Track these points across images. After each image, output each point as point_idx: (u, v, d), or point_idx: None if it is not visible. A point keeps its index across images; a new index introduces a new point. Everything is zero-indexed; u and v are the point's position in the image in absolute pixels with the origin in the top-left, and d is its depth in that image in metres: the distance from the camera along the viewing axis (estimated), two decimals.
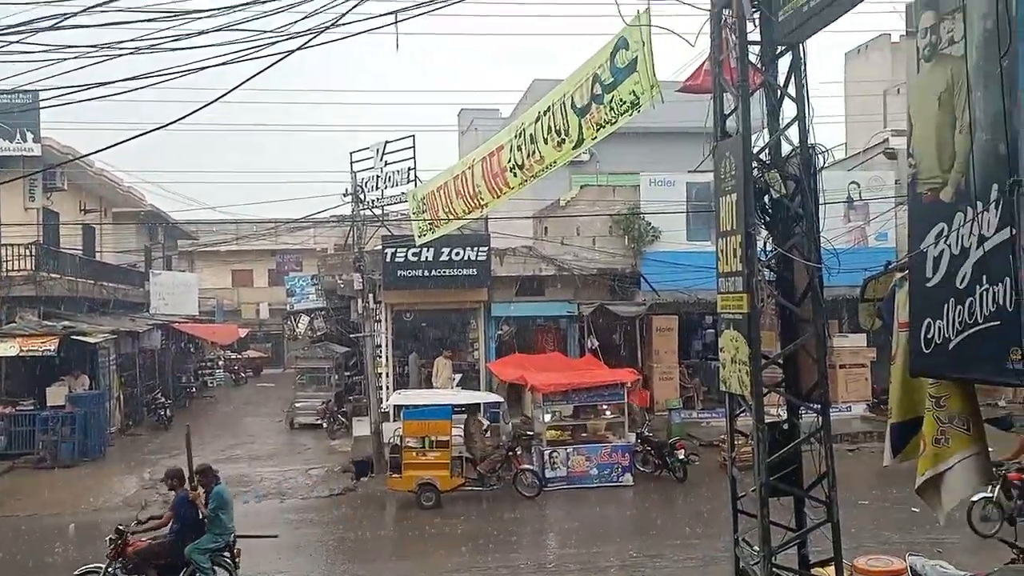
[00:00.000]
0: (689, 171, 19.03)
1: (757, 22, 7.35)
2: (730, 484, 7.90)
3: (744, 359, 7.05)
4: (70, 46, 7.59)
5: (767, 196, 7.41)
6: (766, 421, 7.22)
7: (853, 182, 21.48)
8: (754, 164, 7.28)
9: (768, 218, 7.50)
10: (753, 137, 7.45)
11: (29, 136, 21.50)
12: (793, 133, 7.60)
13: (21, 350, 19.50)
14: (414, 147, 21.42)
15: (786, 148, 7.66)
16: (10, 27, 6.92)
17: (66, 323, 21.74)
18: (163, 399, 26.07)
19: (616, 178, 23.32)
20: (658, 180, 20.98)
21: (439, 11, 7.44)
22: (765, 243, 7.55)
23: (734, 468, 7.91)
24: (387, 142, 21.85)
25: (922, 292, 6.05)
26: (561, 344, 22.14)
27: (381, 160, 21.89)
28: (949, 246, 5.64)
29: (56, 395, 20.51)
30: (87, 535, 14.02)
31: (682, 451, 16.64)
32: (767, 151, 7.58)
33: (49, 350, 19.65)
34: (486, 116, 29.33)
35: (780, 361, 7.63)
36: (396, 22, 7.49)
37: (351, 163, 21.92)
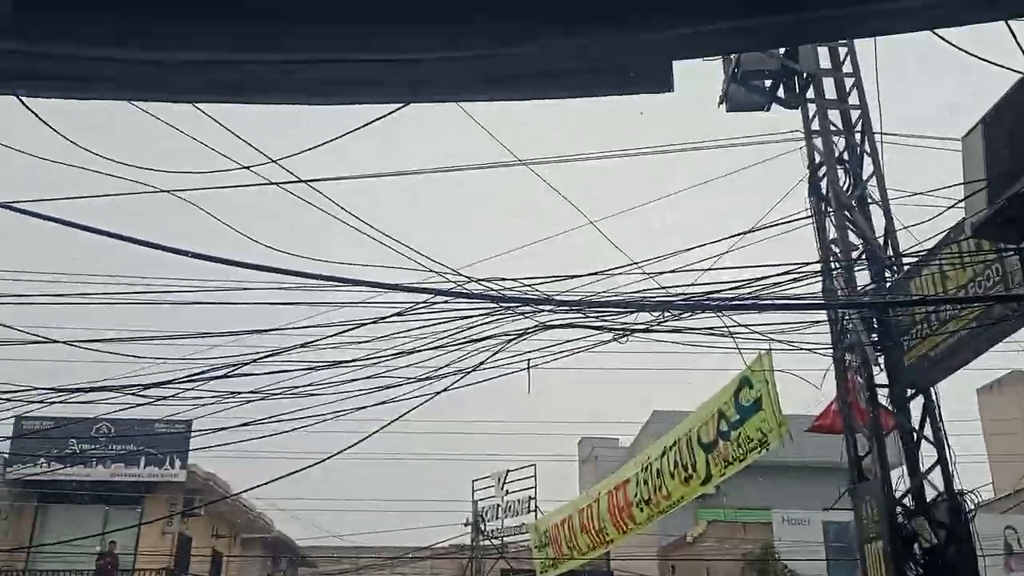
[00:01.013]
0: (824, 508, 18.12)
1: (882, 366, 7.48)
2: None
3: None
4: (234, 393, 8.41)
5: (917, 544, 6.99)
6: None
7: (1009, 527, 19.73)
8: (898, 510, 6.98)
9: (921, 569, 7.01)
10: (892, 478, 7.23)
11: (177, 463, 22.88)
12: (936, 476, 7.34)
13: None
14: (535, 476, 21.51)
15: (931, 491, 7.35)
16: (189, 376, 7.80)
17: None
18: None
19: (745, 513, 22.32)
20: (791, 518, 19.96)
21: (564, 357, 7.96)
22: None
23: None
24: (508, 471, 22.07)
25: None
26: None
27: (502, 489, 21.97)
28: None
29: None
30: None
31: None
32: (910, 496, 7.29)
33: None
34: (606, 445, 29.40)
35: None
36: (528, 368, 8.04)
37: (472, 491, 22.05)
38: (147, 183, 6.32)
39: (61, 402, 7.82)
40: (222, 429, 9.02)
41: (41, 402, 7.86)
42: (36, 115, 4.65)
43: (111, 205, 6.73)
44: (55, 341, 7.54)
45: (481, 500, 21.97)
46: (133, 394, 7.43)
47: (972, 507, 7.14)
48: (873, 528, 7.04)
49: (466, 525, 21.39)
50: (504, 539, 21.68)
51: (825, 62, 8.50)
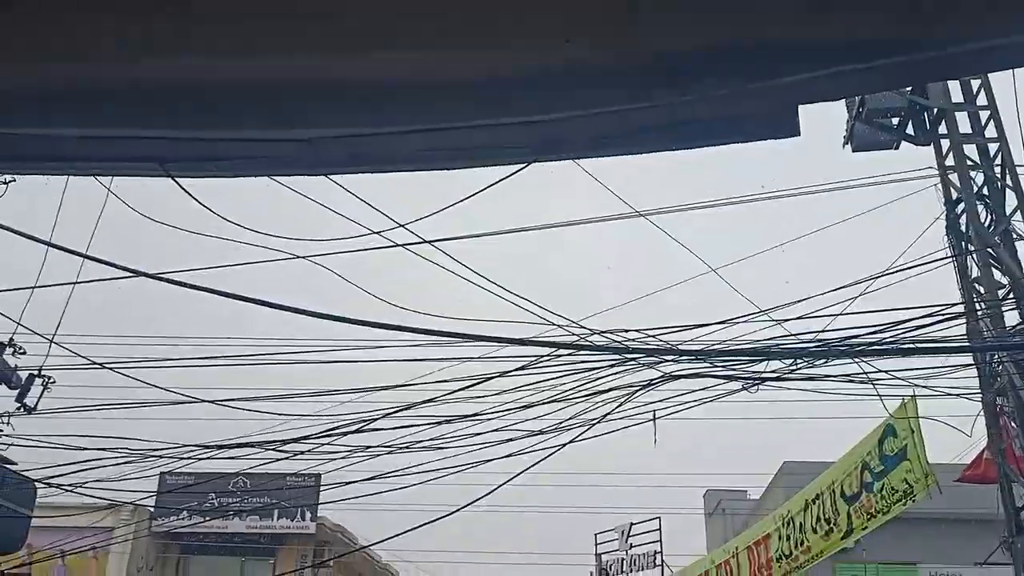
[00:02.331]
0: (977, 564, 16.84)
1: None
2: None
3: None
4: (365, 447, 8.65)
5: None
6: None
7: None
8: None
9: None
10: None
11: (307, 515, 23.60)
12: None
13: None
14: (660, 530, 20.94)
15: None
16: (326, 431, 8.09)
17: None
18: None
19: (888, 571, 20.97)
20: (941, 573, 18.62)
21: (690, 408, 7.82)
22: None
23: None
24: (632, 524, 21.60)
25: None
26: None
27: (626, 542, 21.51)
28: None
29: None
30: None
31: None
32: None
33: None
34: (734, 497, 28.37)
35: None
36: (655, 419, 7.92)
37: (595, 544, 21.68)
38: (281, 250, 6.66)
39: (207, 458, 8.25)
40: (351, 483, 9.29)
41: (189, 458, 8.32)
42: (184, 190, 5.02)
43: (246, 274, 7.14)
44: (201, 400, 8.00)
45: (605, 554, 21.55)
46: (272, 449, 7.75)
47: None
48: None
49: None
50: None
51: (957, 96, 8.17)
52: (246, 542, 23.53)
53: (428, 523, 8.38)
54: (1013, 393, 6.79)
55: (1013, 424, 7.21)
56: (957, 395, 7.10)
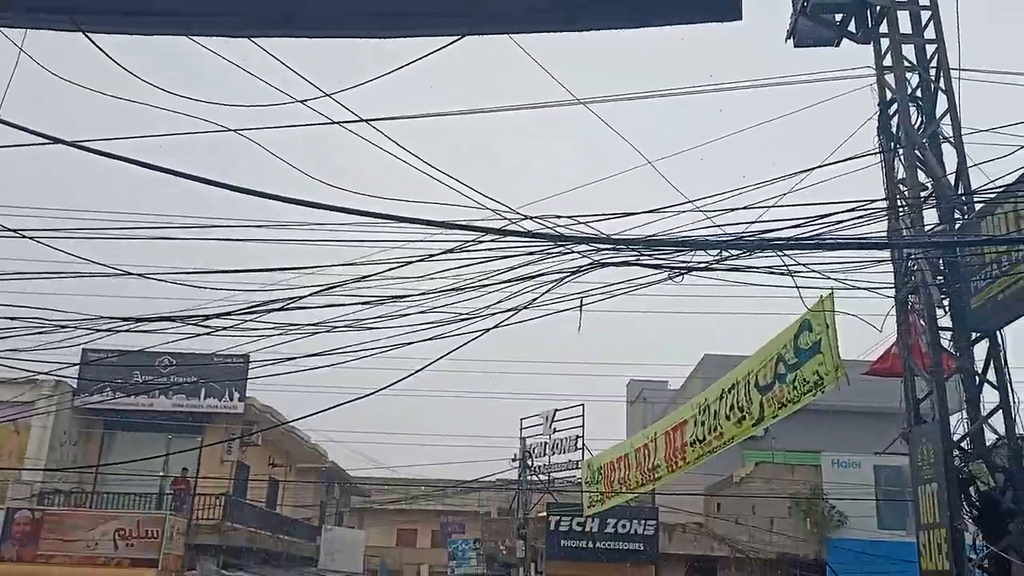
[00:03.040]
0: (876, 452, 17.99)
1: (947, 309, 7.30)
2: None
3: None
4: (291, 325, 8.58)
5: (973, 488, 6.91)
6: None
7: None
8: (955, 453, 6.89)
9: (976, 512, 6.94)
10: (951, 422, 7.12)
11: (236, 395, 23.63)
12: (997, 421, 7.20)
13: None
14: (583, 416, 21.68)
15: (990, 436, 7.23)
16: (248, 307, 7.98)
17: (241, 574, 22.34)
18: None
19: (794, 456, 22.27)
20: (842, 461, 19.84)
21: (619, 294, 7.92)
22: (974, 539, 6.93)
23: None
24: (556, 410, 22.28)
25: None
26: None
27: (550, 427, 22.23)
28: None
29: None
30: None
31: None
32: (968, 439, 7.18)
33: None
34: (655, 387, 29.47)
35: None
36: (581, 306, 8.02)
37: (520, 428, 22.35)
38: (204, 118, 6.35)
39: (126, 330, 8.07)
40: (279, 361, 9.26)
41: (108, 331, 8.13)
42: (100, 48, 4.69)
43: (165, 142, 6.82)
44: (127, 273, 7.75)
45: (529, 438, 22.28)
46: (195, 324, 7.62)
47: None
48: (928, 471, 6.97)
49: (514, 461, 21.73)
50: (551, 475, 22.03)
51: None
52: (172, 420, 23.52)
53: (349, 401, 8.45)
54: (924, 291, 7.07)
55: (922, 322, 7.52)
56: (872, 289, 7.37)
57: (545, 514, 20.93)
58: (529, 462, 21.43)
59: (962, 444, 7.09)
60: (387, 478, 42.26)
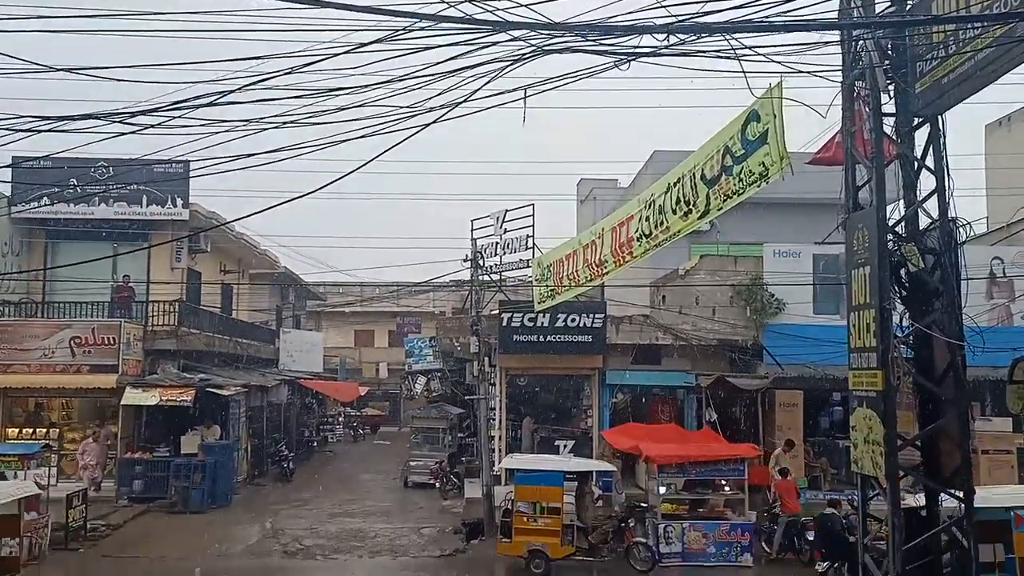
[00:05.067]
0: (816, 242, 18.57)
1: (892, 93, 7.23)
2: (861, 571, 7.51)
3: (878, 439, 6.76)
4: (224, 120, 8.22)
5: (903, 270, 7.17)
6: (902, 506, 6.86)
7: (996, 257, 20.34)
8: (889, 237, 7.08)
9: (904, 292, 7.26)
10: (888, 209, 7.26)
11: (179, 202, 23.19)
12: (931, 206, 7.37)
13: (161, 400, 20.73)
14: (533, 216, 21.80)
15: (924, 221, 7.42)
16: (174, 103, 7.58)
17: (202, 376, 22.97)
18: (287, 452, 27.02)
19: (738, 248, 22.94)
20: (783, 251, 20.50)
21: (563, 87, 7.68)
22: (901, 318, 7.29)
23: (866, 555, 7.51)
24: (507, 210, 22.33)
25: None
26: (678, 415, 21.65)
27: (501, 227, 22.37)
28: None
29: (190, 443, 21.58)
30: None
31: (812, 532, 15.85)
32: (903, 224, 7.37)
33: (186, 401, 20.81)
34: (605, 186, 29.59)
35: (918, 443, 7.27)
36: (525, 97, 7.77)
37: (471, 230, 22.47)
38: None
39: (48, 130, 7.66)
40: (218, 160, 8.94)
41: (29, 131, 7.70)
42: None
43: None
44: (48, 68, 7.22)
45: (480, 239, 22.42)
46: (120, 122, 7.24)
47: (963, 235, 7.25)
48: (862, 255, 7.19)
49: (465, 261, 21.98)
50: (502, 274, 22.45)
51: None
52: (116, 229, 23.14)
53: (292, 199, 8.29)
54: (871, 73, 6.97)
55: (866, 109, 7.47)
56: (819, 75, 7.23)
57: (497, 311, 21.54)
58: (481, 262, 21.70)
59: (896, 229, 7.28)
60: (341, 282, 42.88)
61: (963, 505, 6.86)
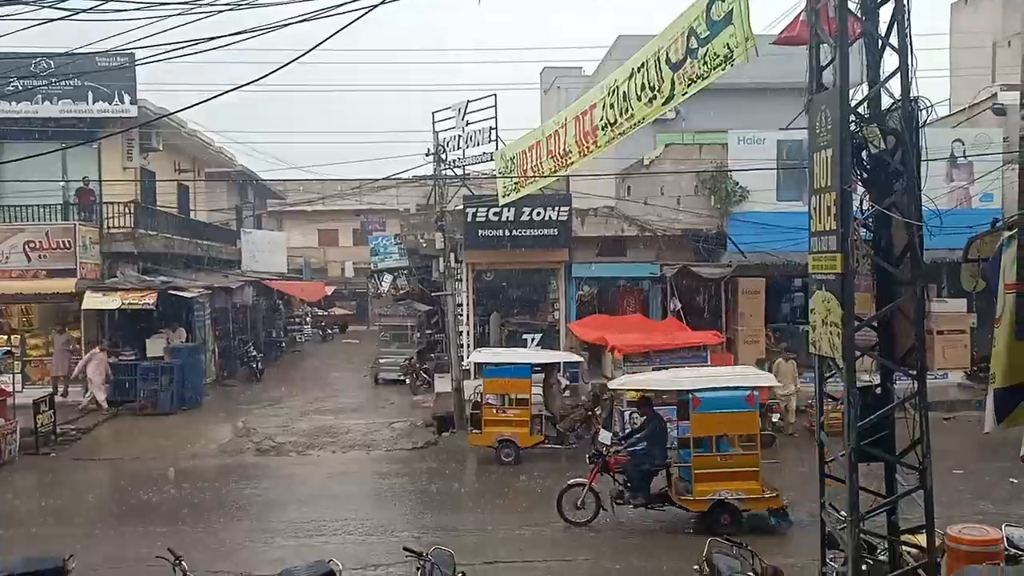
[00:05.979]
0: (781, 128, 18.44)
1: None
2: (818, 448, 7.74)
3: (836, 321, 6.84)
4: (163, 3, 7.76)
5: (865, 151, 7.09)
6: (858, 385, 7.02)
7: (957, 139, 20.38)
8: (852, 118, 6.97)
9: (865, 175, 7.20)
10: (851, 90, 7.12)
11: (126, 98, 22.29)
12: (894, 86, 7.25)
13: (123, 303, 20.45)
14: (496, 107, 21.26)
15: (887, 101, 7.31)
16: None
17: (164, 278, 22.66)
18: (255, 352, 27.05)
19: (703, 136, 22.74)
20: (747, 138, 20.34)
21: None
22: (861, 201, 7.26)
23: (823, 433, 7.73)
24: (468, 101, 21.76)
25: None
26: (643, 306, 21.91)
27: (463, 120, 21.83)
28: None
29: (155, 347, 21.49)
30: (186, 478, 14.75)
31: (776, 414, 16.36)
32: (866, 104, 7.25)
33: (148, 304, 20.55)
34: (569, 75, 28.94)
35: (874, 324, 7.38)
36: None
37: (433, 123, 21.94)
38: None
39: None
40: (163, 47, 8.50)
41: None
42: None
43: None
44: None
45: (442, 132, 21.88)
46: (51, 7, 6.79)
47: (925, 116, 7.16)
48: (824, 137, 7.08)
49: (428, 155, 21.53)
50: (466, 168, 22.07)
51: None
52: (63, 128, 22.25)
53: (239, 87, 7.95)
54: None
55: None
56: None
57: (462, 207, 21.30)
58: (444, 156, 21.27)
59: (859, 110, 7.16)
60: (301, 179, 42.06)
61: (916, 383, 7.02)
